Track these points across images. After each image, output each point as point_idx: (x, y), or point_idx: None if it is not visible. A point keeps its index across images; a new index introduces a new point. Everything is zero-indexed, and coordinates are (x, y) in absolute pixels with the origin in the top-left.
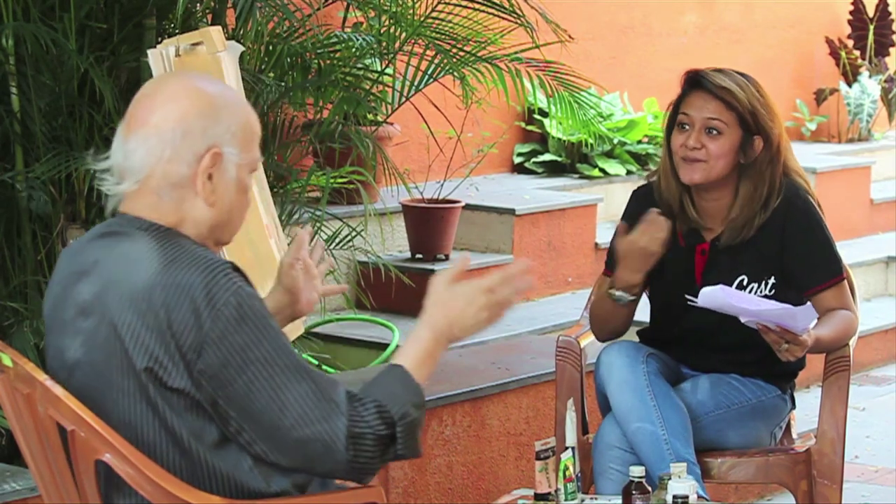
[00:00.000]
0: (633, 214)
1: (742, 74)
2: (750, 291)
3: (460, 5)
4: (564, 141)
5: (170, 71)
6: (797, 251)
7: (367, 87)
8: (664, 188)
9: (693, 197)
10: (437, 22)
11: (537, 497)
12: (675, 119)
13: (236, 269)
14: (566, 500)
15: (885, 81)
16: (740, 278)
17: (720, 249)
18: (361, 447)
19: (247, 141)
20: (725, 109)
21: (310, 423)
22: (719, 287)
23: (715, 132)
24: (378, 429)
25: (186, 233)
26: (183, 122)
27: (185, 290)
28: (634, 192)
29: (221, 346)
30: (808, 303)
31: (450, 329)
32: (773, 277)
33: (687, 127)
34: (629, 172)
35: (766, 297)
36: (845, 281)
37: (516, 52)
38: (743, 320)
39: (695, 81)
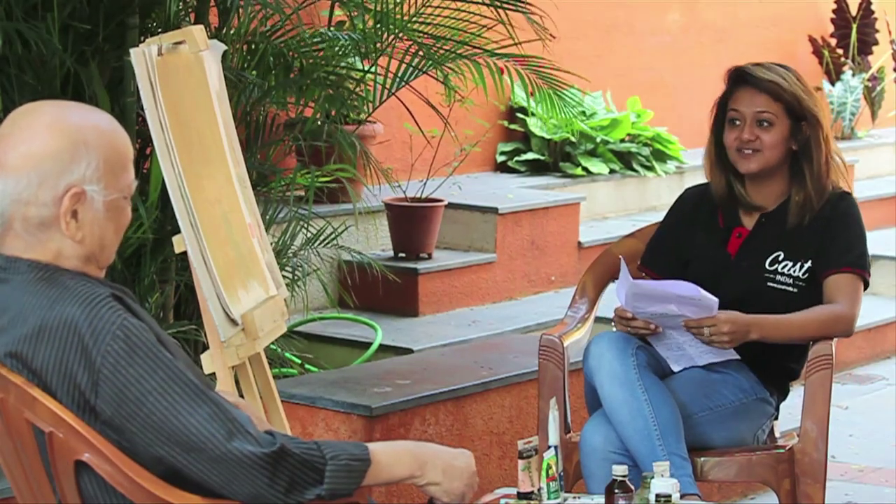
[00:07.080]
0: (678, 214)
1: (780, 65)
2: (784, 268)
3: (441, 7)
4: (547, 140)
5: (39, 101)
6: (831, 236)
7: (351, 87)
8: (712, 180)
9: (745, 185)
10: (419, 20)
11: (520, 496)
12: (723, 116)
13: (119, 298)
14: (549, 498)
15: (869, 80)
16: (777, 254)
17: (766, 227)
18: (284, 464)
19: (113, 172)
20: (773, 101)
21: (218, 443)
22: (629, 283)
23: (766, 124)
24: (307, 450)
25: (65, 265)
26: (37, 167)
27: (69, 328)
28: (687, 191)
29: (116, 382)
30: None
31: (433, 455)
32: (809, 262)
33: (738, 122)
34: (612, 171)
35: (797, 279)
36: (859, 278)
37: (497, 49)
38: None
39: (740, 78)
